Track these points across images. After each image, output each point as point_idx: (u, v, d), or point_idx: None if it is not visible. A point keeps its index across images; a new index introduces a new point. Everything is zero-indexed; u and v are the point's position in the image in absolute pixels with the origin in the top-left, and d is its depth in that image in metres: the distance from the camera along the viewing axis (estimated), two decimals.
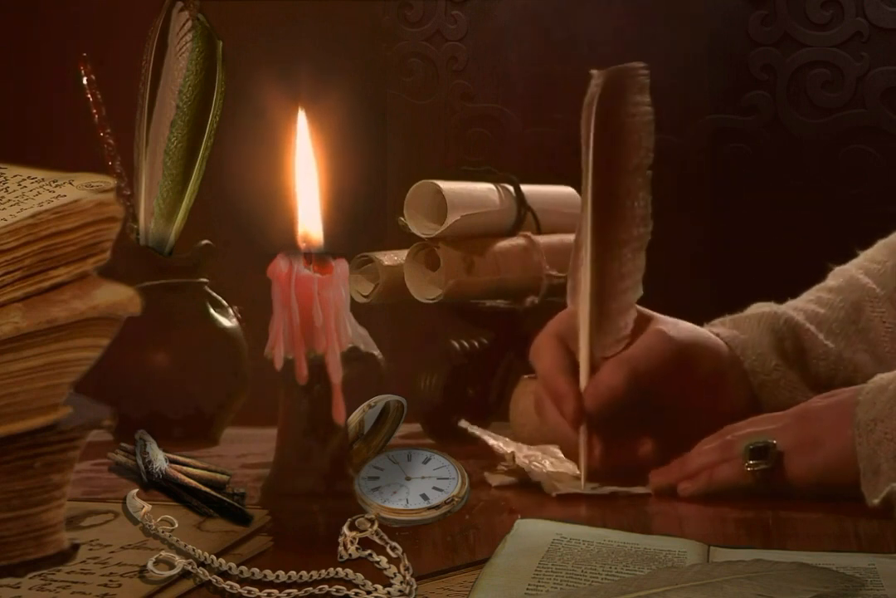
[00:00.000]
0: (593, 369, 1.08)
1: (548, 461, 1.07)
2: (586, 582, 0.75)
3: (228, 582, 0.77)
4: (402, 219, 1.25)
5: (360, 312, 0.91)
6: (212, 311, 1.31)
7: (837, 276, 1.20)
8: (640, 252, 1.10)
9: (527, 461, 1.06)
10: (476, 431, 1.09)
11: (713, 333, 1.13)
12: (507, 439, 1.11)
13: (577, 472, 1.05)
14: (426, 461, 0.91)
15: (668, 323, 1.11)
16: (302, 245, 0.87)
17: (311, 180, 0.88)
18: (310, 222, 0.88)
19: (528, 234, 1.31)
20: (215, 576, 0.77)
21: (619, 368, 1.07)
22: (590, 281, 1.09)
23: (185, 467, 0.89)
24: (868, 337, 1.15)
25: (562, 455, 1.10)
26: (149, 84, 1.32)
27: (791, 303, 1.18)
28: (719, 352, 1.11)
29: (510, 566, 0.78)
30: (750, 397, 1.11)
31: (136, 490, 0.87)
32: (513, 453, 1.06)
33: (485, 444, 1.08)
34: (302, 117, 0.89)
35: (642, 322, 1.10)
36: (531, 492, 1.03)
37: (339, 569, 0.79)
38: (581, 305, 1.09)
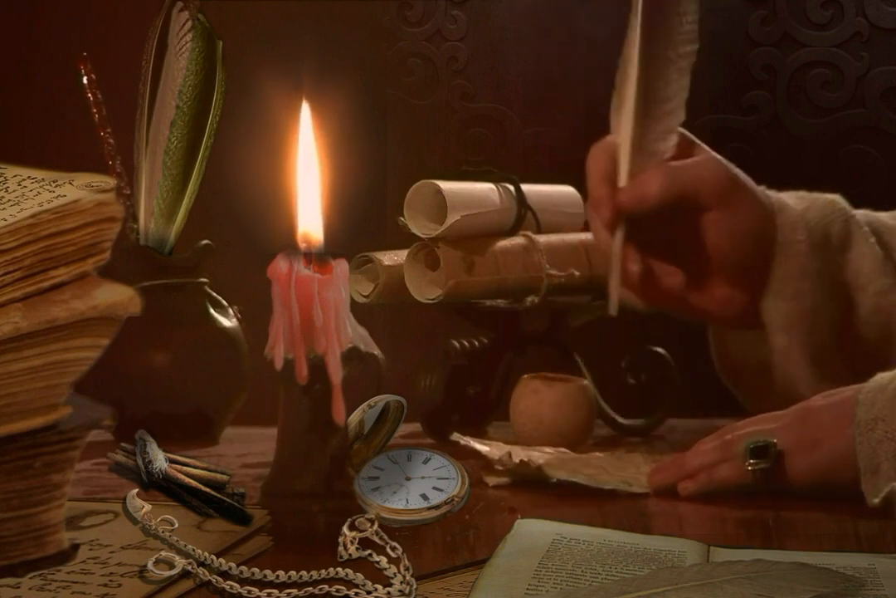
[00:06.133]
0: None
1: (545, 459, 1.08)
2: (586, 582, 0.75)
3: (228, 582, 0.77)
4: (402, 219, 1.25)
5: (360, 312, 0.91)
6: (212, 311, 1.31)
7: None
8: (685, 73, 1.13)
9: (524, 455, 1.06)
10: (469, 442, 1.10)
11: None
12: (499, 443, 1.11)
13: (578, 473, 1.05)
14: (426, 461, 0.91)
15: (726, 161, 1.15)
16: (302, 245, 0.87)
17: (312, 180, 0.88)
18: (310, 222, 0.88)
19: (529, 234, 1.31)
20: (215, 576, 0.78)
21: (660, 176, 1.12)
22: (634, 98, 1.11)
23: (185, 467, 0.89)
24: None
25: (560, 457, 1.10)
26: (149, 84, 1.32)
27: (873, 214, 1.21)
28: (764, 208, 1.14)
29: (510, 566, 0.78)
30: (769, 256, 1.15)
31: (136, 490, 0.87)
32: (509, 452, 1.06)
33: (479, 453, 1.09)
34: (305, 114, 0.89)
35: (696, 151, 1.13)
36: (531, 492, 1.03)
37: (339, 569, 0.79)
38: (624, 122, 1.12)
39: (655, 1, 1.12)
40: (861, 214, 1.20)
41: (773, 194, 1.17)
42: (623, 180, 1.13)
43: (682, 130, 1.16)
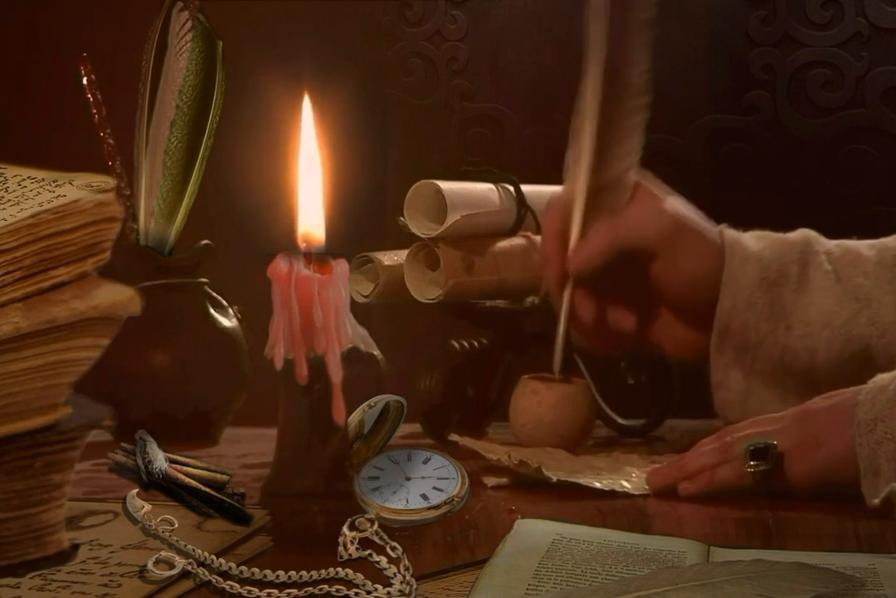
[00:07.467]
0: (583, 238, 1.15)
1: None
2: (586, 582, 0.75)
3: (228, 582, 0.77)
4: (402, 219, 1.25)
5: (360, 312, 0.91)
6: (212, 311, 1.31)
7: None
8: (638, 129, 1.14)
9: (524, 455, 1.06)
10: (467, 443, 1.10)
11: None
12: (496, 445, 1.11)
13: (577, 474, 1.05)
14: (426, 461, 0.91)
15: (675, 203, 1.16)
16: (302, 245, 0.87)
17: (313, 180, 0.88)
18: (310, 222, 0.88)
19: (528, 234, 1.31)
20: (215, 576, 0.77)
21: (603, 233, 1.14)
22: (589, 155, 1.13)
23: (185, 467, 0.89)
24: None
25: (560, 457, 1.10)
26: (149, 84, 1.32)
27: (845, 241, 1.20)
28: (711, 248, 1.15)
29: (510, 566, 0.78)
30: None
31: (136, 490, 0.87)
32: (508, 453, 1.06)
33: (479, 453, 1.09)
34: (307, 113, 0.89)
35: (648, 198, 1.14)
36: (531, 492, 1.03)
37: (339, 569, 0.79)
38: (580, 178, 1.13)
39: (613, 51, 1.13)
40: (836, 244, 1.19)
41: (731, 233, 1.17)
42: (574, 237, 1.14)
43: (637, 173, 1.17)
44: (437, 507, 0.88)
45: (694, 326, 1.17)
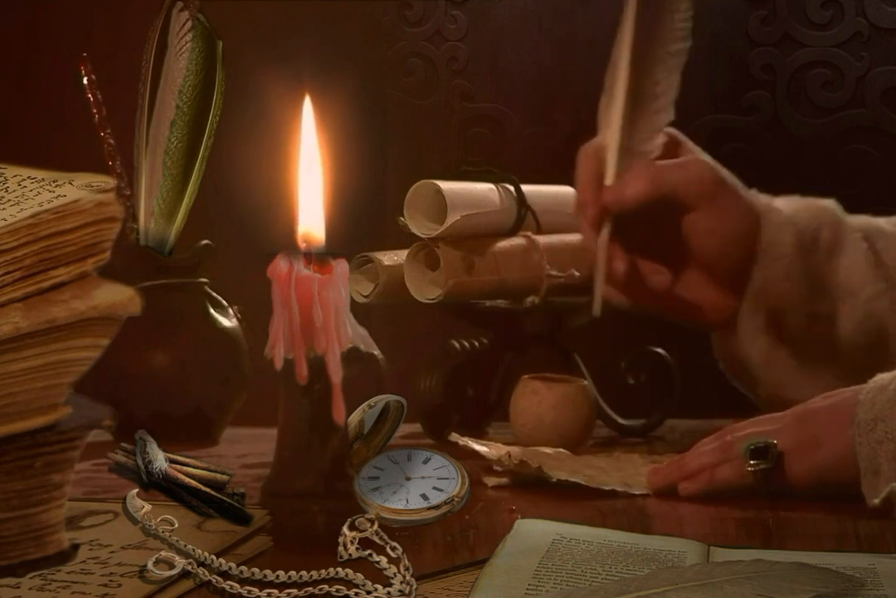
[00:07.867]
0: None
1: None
2: (586, 582, 0.75)
3: (228, 582, 0.77)
4: (402, 219, 1.25)
5: (360, 312, 0.91)
6: (212, 311, 1.31)
7: None
8: (675, 72, 1.14)
9: (524, 455, 1.06)
10: (468, 442, 1.09)
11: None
12: (498, 445, 1.11)
13: (578, 474, 1.05)
14: (426, 461, 0.91)
15: (712, 161, 1.15)
16: (302, 245, 0.87)
17: (314, 180, 0.88)
18: (311, 222, 0.88)
19: (529, 234, 1.31)
20: (215, 576, 0.77)
21: (645, 174, 1.13)
22: (623, 98, 1.12)
23: (185, 467, 0.89)
24: None
25: (560, 457, 1.10)
26: (149, 84, 1.32)
27: (870, 219, 1.21)
28: (749, 210, 1.15)
29: (510, 566, 0.78)
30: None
31: (136, 490, 0.87)
32: (508, 452, 1.06)
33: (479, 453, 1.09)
34: (308, 113, 0.89)
35: (683, 151, 1.15)
36: (531, 492, 1.03)
37: (339, 569, 0.79)
38: (612, 122, 1.13)
39: None
40: (856, 219, 1.20)
41: (764, 197, 1.18)
42: (609, 180, 1.14)
43: (671, 129, 1.16)
44: (437, 507, 0.88)
45: (724, 286, 1.16)
